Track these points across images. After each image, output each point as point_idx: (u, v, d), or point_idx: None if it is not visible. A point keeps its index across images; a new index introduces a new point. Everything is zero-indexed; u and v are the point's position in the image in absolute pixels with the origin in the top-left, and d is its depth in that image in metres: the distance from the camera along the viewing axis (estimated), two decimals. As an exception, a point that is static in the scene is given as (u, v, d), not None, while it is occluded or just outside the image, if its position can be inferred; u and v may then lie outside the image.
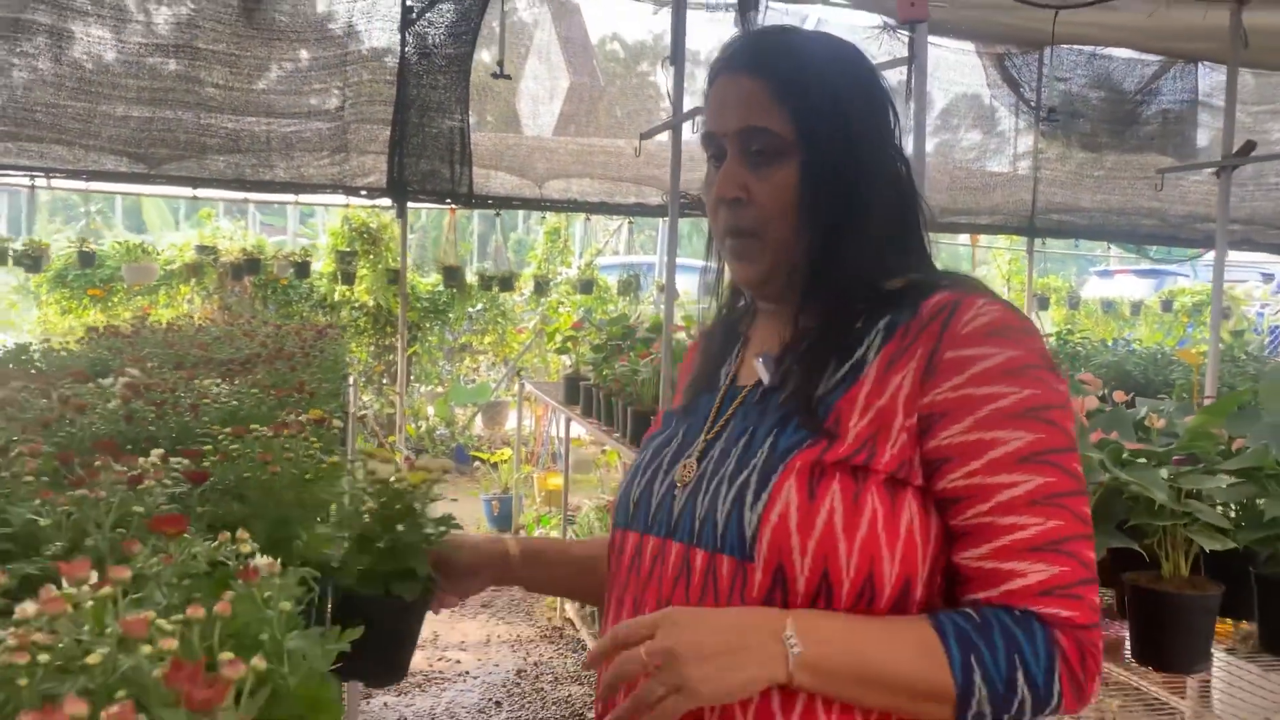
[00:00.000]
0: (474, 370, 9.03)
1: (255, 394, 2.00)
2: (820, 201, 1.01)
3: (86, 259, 6.30)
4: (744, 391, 1.08)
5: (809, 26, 6.77)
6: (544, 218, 7.80)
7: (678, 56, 3.22)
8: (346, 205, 6.68)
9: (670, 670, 0.85)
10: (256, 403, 1.98)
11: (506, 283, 6.57)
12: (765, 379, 1.05)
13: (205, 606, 0.77)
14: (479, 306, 8.32)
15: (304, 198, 6.38)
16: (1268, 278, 10.62)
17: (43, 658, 0.70)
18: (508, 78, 5.08)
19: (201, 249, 7.05)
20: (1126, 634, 1.88)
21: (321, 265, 7.47)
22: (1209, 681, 3.67)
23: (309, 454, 1.53)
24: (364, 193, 6.13)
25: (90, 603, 0.78)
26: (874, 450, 0.93)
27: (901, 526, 0.92)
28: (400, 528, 1.14)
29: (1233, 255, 10.25)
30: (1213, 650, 1.82)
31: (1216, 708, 3.60)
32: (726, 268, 1.11)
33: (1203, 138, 7.37)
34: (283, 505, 1.39)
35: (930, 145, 7.01)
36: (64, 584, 0.81)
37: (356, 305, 7.59)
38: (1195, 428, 2.03)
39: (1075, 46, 6.88)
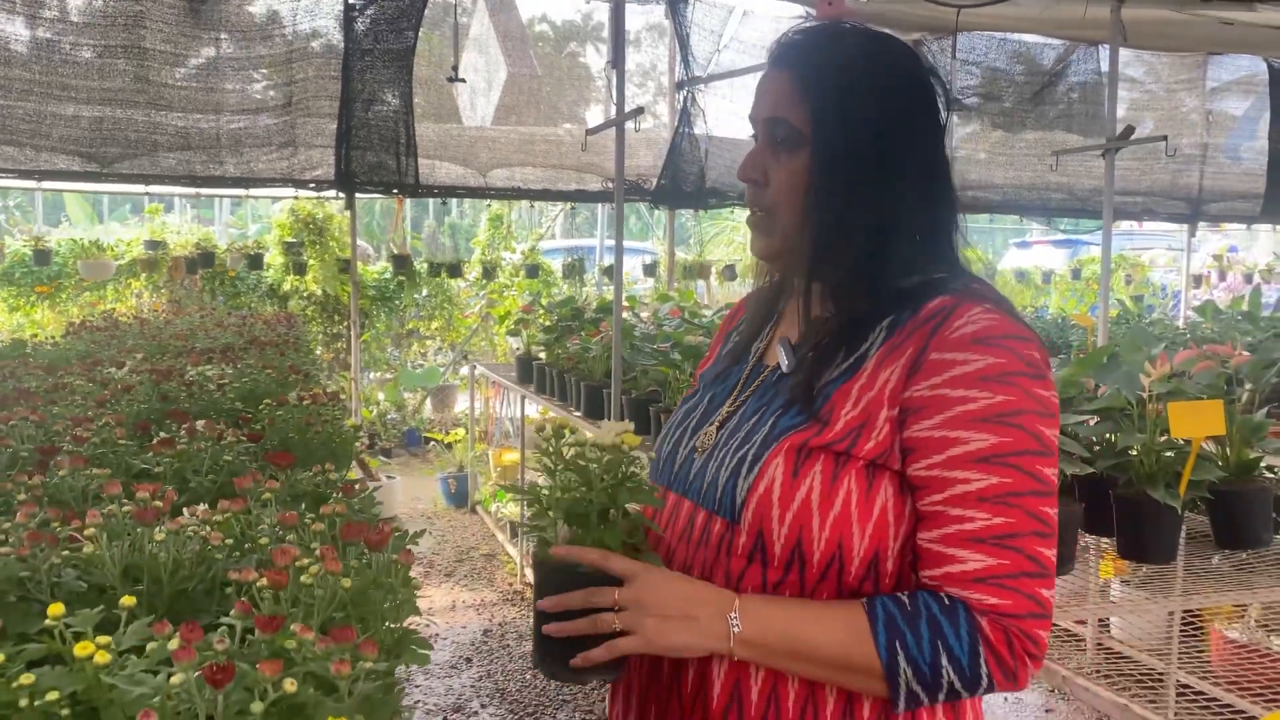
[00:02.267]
0: (422, 355, 9.26)
1: (269, 374, 2.30)
2: (823, 191, 1.07)
3: (42, 257, 6.42)
4: (766, 371, 1.18)
5: (737, 16, 7.14)
6: (488, 205, 8.06)
7: (618, 60, 3.55)
8: (295, 197, 6.87)
9: (632, 616, 0.99)
10: (268, 382, 2.28)
11: (455, 269, 6.83)
12: (784, 365, 1.14)
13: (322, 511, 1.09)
14: (425, 293, 8.55)
15: (254, 192, 6.56)
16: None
17: (228, 541, 1.02)
18: (462, 80, 5.32)
19: (151, 244, 7.18)
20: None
21: (268, 256, 7.65)
22: (1107, 620, 4.14)
23: (335, 418, 1.85)
24: (313, 186, 6.34)
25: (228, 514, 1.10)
26: (858, 438, 1.02)
27: (875, 507, 1.01)
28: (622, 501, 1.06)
29: (1148, 225, 10.89)
30: (1076, 556, 2.22)
31: (1114, 631, 4.07)
32: None
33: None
34: (319, 456, 1.71)
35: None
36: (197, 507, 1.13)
37: (305, 295, 7.78)
38: (1066, 377, 2.43)
39: (986, 32, 7.33)
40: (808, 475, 1.02)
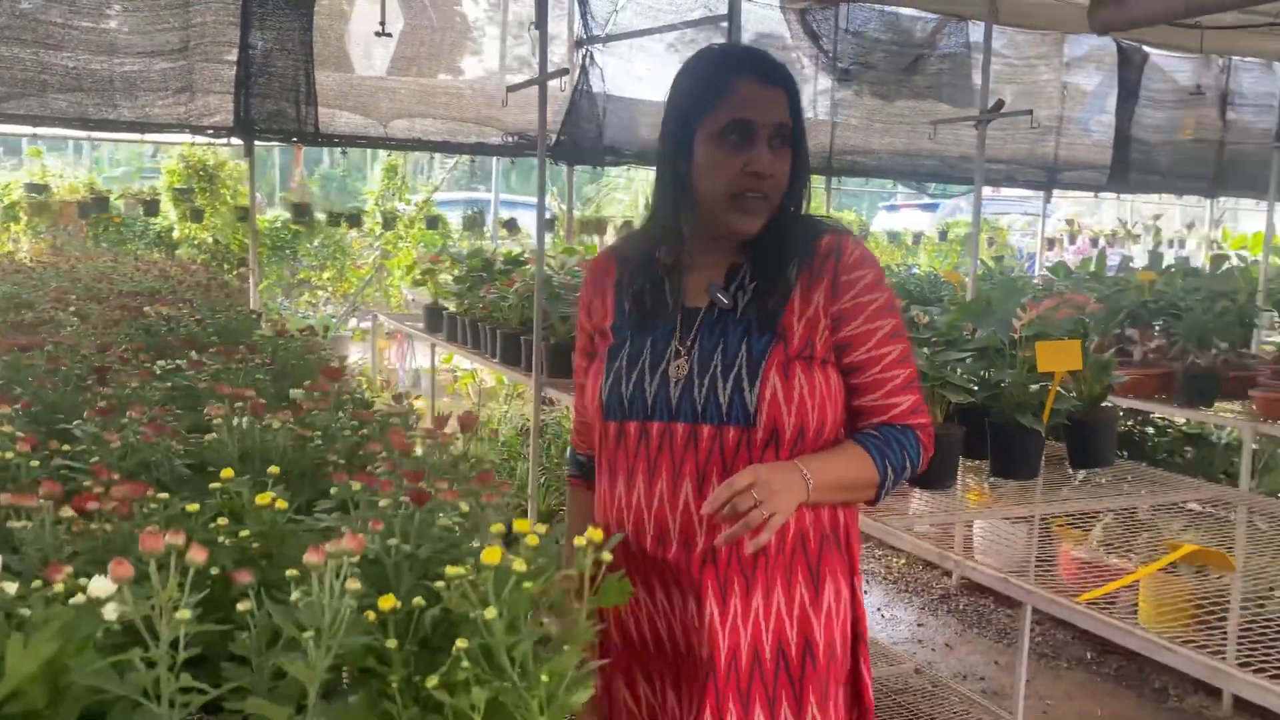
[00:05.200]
0: (312, 305, 9.23)
1: (237, 313, 2.46)
2: (800, 176, 1.47)
3: (-80, 198, 6.19)
4: (701, 312, 1.47)
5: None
6: (373, 155, 8.10)
7: (541, 23, 3.74)
8: (192, 144, 6.80)
9: (770, 502, 1.27)
10: (238, 319, 2.45)
11: (354, 218, 6.88)
12: (723, 302, 1.46)
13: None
14: (316, 242, 8.53)
15: (150, 137, 6.46)
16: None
17: (316, 433, 1.25)
18: (389, 35, 5.38)
19: (32, 187, 6.98)
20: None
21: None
22: (970, 536, 4.61)
23: (318, 347, 2.06)
24: (211, 132, 6.28)
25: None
26: (812, 345, 1.41)
27: (831, 391, 1.42)
28: None
29: (1005, 191, 11.62)
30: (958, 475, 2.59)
31: (976, 550, 4.55)
32: (668, 214, 1.48)
33: (979, 82, 8.40)
34: (290, 368, 1.92)
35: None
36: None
37: (196, 243, 7.69)
38: (949, 322, 2.80)
39: (867, 4, 7.73)
40: (795, 378, 1.40)
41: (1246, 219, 11.09)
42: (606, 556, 0.81)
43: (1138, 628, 1.90)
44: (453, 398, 7.17)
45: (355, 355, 8.63)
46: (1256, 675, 1.66)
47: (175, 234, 7.56)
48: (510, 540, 0.83)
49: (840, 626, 1.47)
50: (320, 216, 7.27)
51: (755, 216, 1.44)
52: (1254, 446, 3.63)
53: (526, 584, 0.78)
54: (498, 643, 0.76)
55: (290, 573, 0.80)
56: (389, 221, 7.52)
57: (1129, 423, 4.74)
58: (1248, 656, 1.76)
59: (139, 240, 7.72)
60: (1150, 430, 4.91)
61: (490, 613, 0.74)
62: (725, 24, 4.06)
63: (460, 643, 0.74)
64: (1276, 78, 7.19)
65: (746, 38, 7.82)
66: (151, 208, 6.84)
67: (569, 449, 1.69)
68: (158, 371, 1.51)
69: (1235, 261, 5.88)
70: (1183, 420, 4.74)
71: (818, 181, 9.56)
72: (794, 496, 1.32)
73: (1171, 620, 2.46)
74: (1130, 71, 8.17)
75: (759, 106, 1.41)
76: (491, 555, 0.74)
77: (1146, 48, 7.88)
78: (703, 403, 1.41)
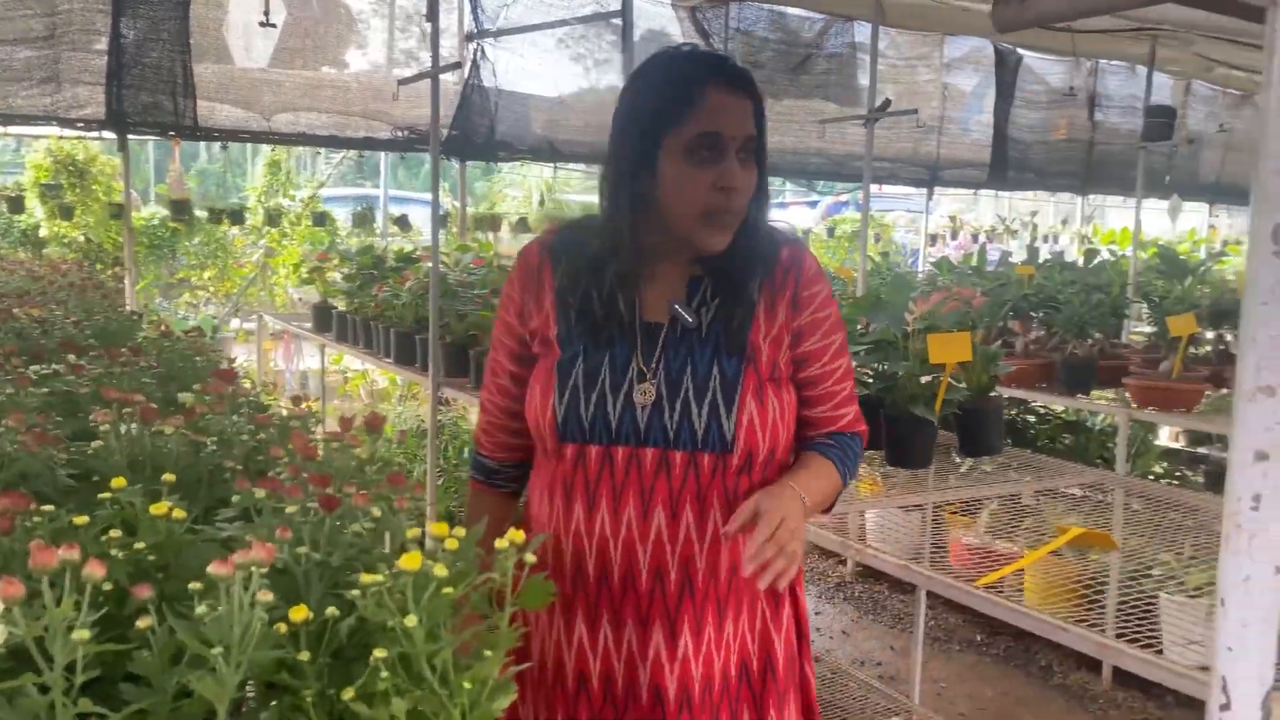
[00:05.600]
0: (192, 306, 8.89)
1: (116, 314, 2.35)
2: (763, 187, 1.41)
3: None
4: (663, 329, 1.40)
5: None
6: (259, 150, 7.85)
7: (433, 13, 3.67)
8: (60, 137, 6.47)
9: (797, 535, 1.27)
10: (119, 320, 2.33)
11: (236, 216, 6.65)
12: (687, 321, 1.39)
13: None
14: (196, 240, 8.22)
15: (13, 129, 6.13)
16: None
17: (211, 439, 1.19)
18: (273, 26, 5.21)
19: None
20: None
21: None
22: (864, 523, 4.71)
23: (205, 349, 1.98)
24: (81, 125, 5.99)
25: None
26: (778, 365, 1.41)
27: (795, 408, 1.45)
28: None
29: (889, 190, 11.94)
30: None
31: (870, 538, 4.65)
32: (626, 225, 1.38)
33: (863, 82, 8.61)
34: (201, 380, 1.85)
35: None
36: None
37: (66, 241, 7.32)
38: (844, 316, 2.85)
39: (756, 3, 7.84)
40: (768, 402, 1.39)
41: (1114, 215, 11.66)
42: (530, 558, 0.79)
43: (1031, 609, 1.97)
44: (344, 400, 7.00)
45: (240, 357, 8.35)
46: (1143, 650, 1.74)
47: (43, 232, 7.18)
48: (420, 544, 0.80)
49: (794, 636, 1.49)
50: (200, 214, 7.00)
51: (724, 234, 1.37)
52: (1128, 432, 3.81)
53: (446, 590, 0.76)
54: (418, 651, 0.73)
55: (193, 586, 0.76)
56: (273, 218, 7.30)
57: (1012, 411, 4.92)
58: (1135, 633, 1.84)
59: (1, 239, 7.32)
60: (1032, 418, 5.11)
61: (411, 620, 0.72)
62: (617, 20, 4.05)
63: (378, 652, 0.72)
64: (1140, 81, 7.55)
65: (637, 34, 7.84)
66: (16, 204, 6.48)
67: (472, 450, 1.60)
68: (34, 377, 1.42)
69: (1106, 256, 6.17)
70: (1061, 408, 4.95)
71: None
72: (804, 518, 1.34)
73: (1057, 600, 2.56)
74: (1006, 73, 8.47)
75: (729, 118, 1.33)
76: (411, 561, 0.72)
77: (1020, 49, 8.18)
78: (675, 429, 1.35)
